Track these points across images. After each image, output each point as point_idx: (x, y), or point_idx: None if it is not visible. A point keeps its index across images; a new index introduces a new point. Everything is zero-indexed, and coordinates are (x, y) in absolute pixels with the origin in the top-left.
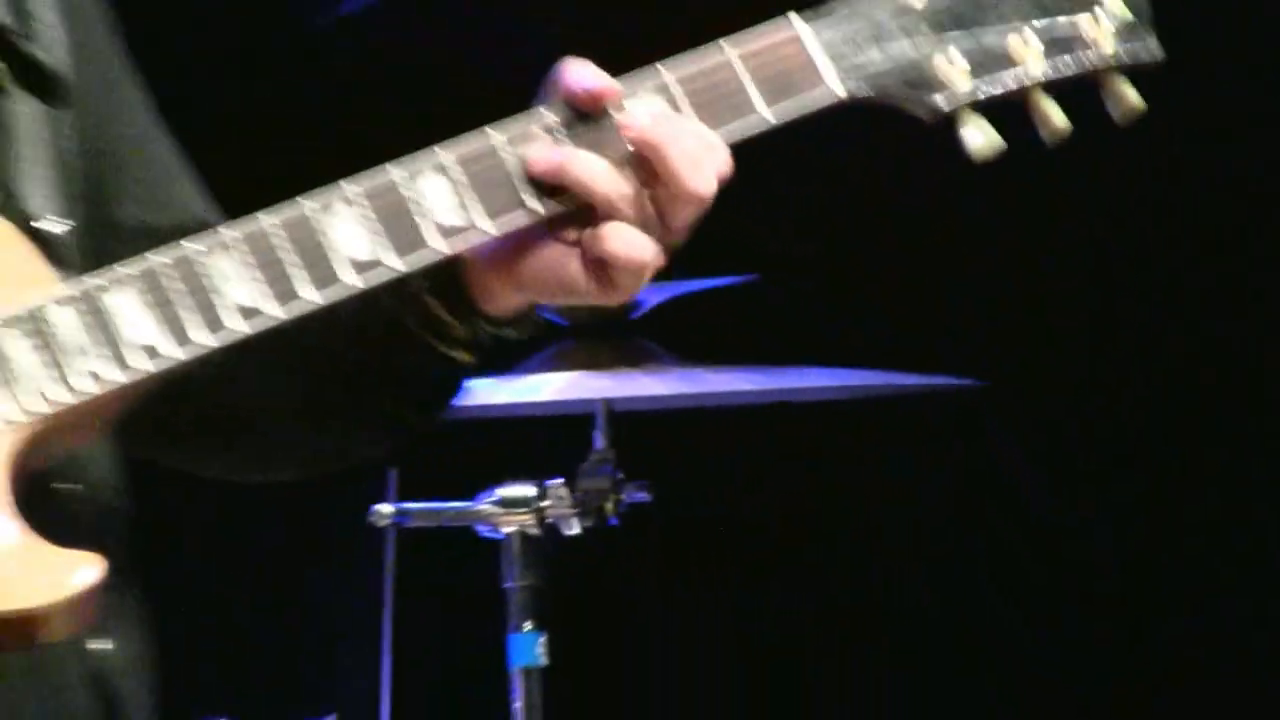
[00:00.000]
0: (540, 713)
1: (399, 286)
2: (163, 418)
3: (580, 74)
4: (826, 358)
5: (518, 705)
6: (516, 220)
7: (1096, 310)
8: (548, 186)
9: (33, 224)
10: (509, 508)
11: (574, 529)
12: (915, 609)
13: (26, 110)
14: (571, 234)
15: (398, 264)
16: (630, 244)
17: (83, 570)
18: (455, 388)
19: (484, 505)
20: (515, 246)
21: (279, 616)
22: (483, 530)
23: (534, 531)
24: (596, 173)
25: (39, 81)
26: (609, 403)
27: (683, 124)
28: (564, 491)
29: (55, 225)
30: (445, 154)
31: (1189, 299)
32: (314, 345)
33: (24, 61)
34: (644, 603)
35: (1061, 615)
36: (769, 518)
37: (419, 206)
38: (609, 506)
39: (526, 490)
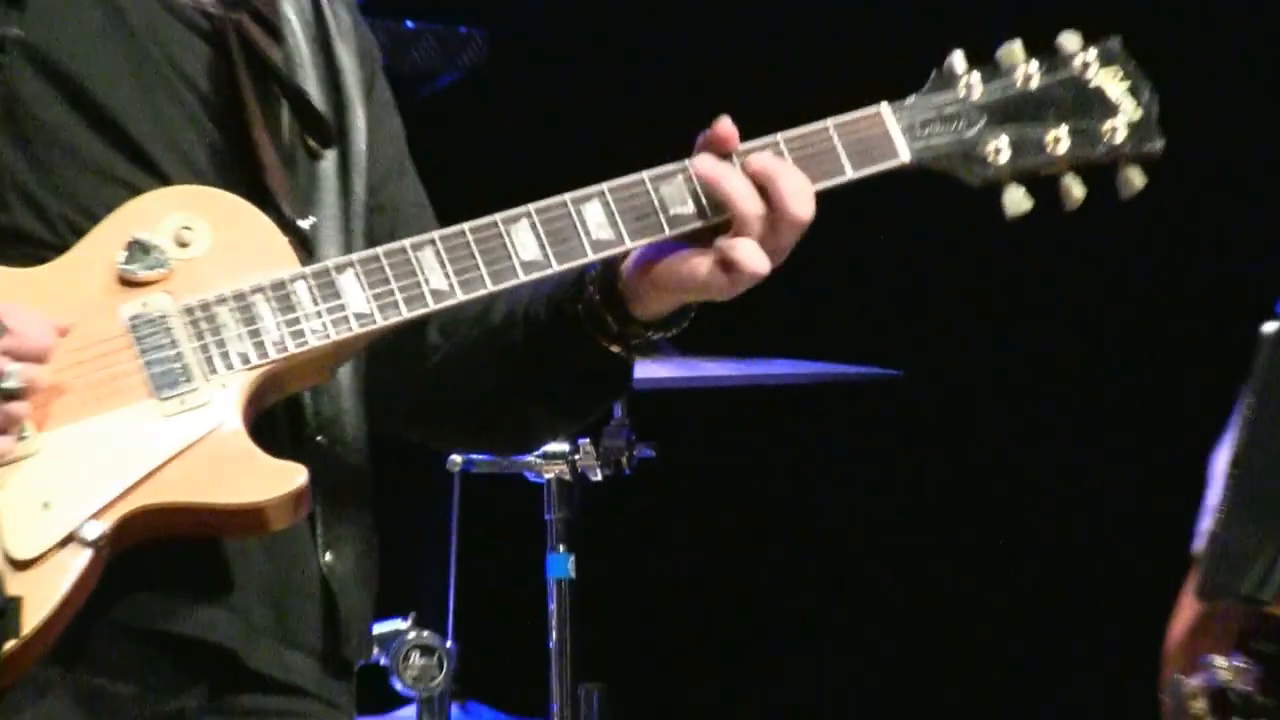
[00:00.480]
0: (570, 615)
1: (577, 295)
2: (400, 405)
3: (721, 122)
4: (786, 351)
5: (552, 608)
6: (653, 234)
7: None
8: (684, 213)
9: (298, 223)
10: (549, 459)
11: (597, 476)
12: (837, 534)
13: (330, 168)
14: (702, 244)
15: (556, 266)
16: (755, 255)
17: (296, 476)
18: (617, 379)
19: (530, 457)
20: (656, 258)
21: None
22: (529, 475)
23: (567, 478)
24: (742, 189)
25: (345, 149)
26: (643, 383)
27: (788, 167)
28: (590, 448)
29: (305, 222)
30: (606, 186)
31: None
32: (506, 344)
33: (343, 134)
34: (650, 533)
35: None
36: (744, 469)
37: (582, 224)
38: (624, 460)
39: (562, 447)
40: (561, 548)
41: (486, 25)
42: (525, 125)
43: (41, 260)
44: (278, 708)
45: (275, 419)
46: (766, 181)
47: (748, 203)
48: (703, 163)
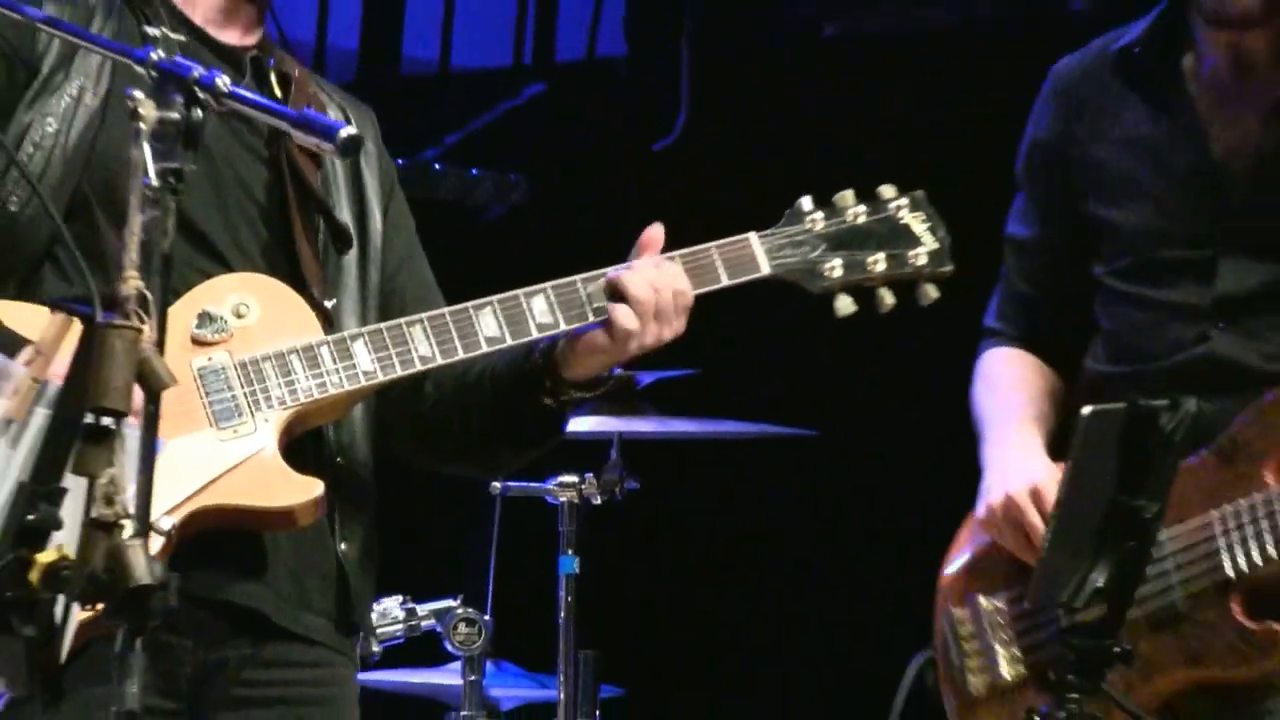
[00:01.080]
0: (574, 600)
1: (526, 361)
2: (403, 437)
3: (652, 228)
4: (735, 413)
5: (562, 594)
6: (582, 320)
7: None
8: (603, 305)
9: (325, 303)
10: (563, 488)
11: (597, 501)
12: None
13: (352, 261)
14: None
15: (510, 341)
16: (627, 317)
17: (316, 487)
18: (554, 426)
19: (550, 485)
20: (579, 335)
21: (437, 544)
22: (549, 499)
23: (576, 501)
24: (636, 279)
25: (364, 246)
26: (620, 434)
27: (677, 274)
28: (593, 481)
29: (329, 302)
30: (549, 284)
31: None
32: (479, 396)
33: (363, 235)
34: (635, 542)
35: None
36: (704, 499)
37: (530, 312)
38: (617, 490)
39: (573, 478)
40: (570, 551)
41: (528, 173)
42: (554, 249)
43: None
44: (298, 657)
45: (305, 445)
46: (657, 277)
47: (638, 288)
48: (614, 271)
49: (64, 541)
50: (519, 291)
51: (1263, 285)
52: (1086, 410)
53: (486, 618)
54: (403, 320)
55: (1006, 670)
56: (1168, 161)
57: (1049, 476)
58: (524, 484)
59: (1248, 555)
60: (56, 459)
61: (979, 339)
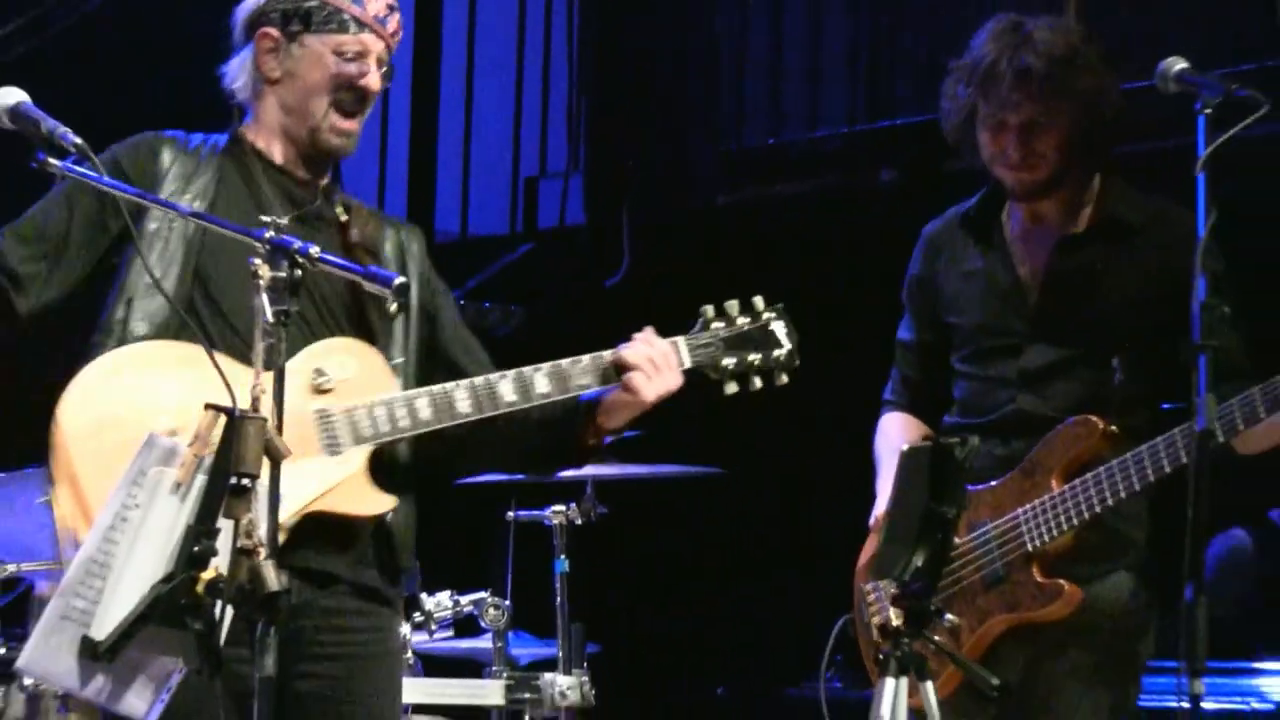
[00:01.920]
0: (566, 590)
1: (577, 414)
2: (473, 450)
3: (645, 330)
4: (670, 460)
5: (557, 586)
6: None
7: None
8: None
9: (395, 360)
10: (555, 513)
11: (579, 522)
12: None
13: (399, 328)
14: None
15: (522, 404)
16: (643, 383)
17: (390, 502)
18: (589, 456)
19: (546, 512)
20: (606, 394)
21: (473, 557)
22: (546, 521)
23: (564, 522)
24: (635, 349)
25: (407, 316)
26: (593, 476)
27: (658, 342)
28: (575, 508)
29: (399, 358)
30: (584, 357)
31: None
32: (538, 433)
33: (406, 310)
34: (605, 549)
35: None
36: (651, 518)
37: (533, 384)
38: (591, 513)
39: (561, 507)
40: (562, 556)
41: (524, 305)
42: (544, 355)
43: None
44: (357, 621)
45: (380, 463)
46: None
47: (636, 354)
48: (622, 346)
49: (219, 564)
50: (562, 361)
51: (1052, 363)
52: (904, 447)
53: (507, 603)
54: (449, 385)
55: (896, 618)
56: (990, 284)
57: None
58: (529, 512)
59: (1041, 536)
60: (212, 508)
61: (879, 408)
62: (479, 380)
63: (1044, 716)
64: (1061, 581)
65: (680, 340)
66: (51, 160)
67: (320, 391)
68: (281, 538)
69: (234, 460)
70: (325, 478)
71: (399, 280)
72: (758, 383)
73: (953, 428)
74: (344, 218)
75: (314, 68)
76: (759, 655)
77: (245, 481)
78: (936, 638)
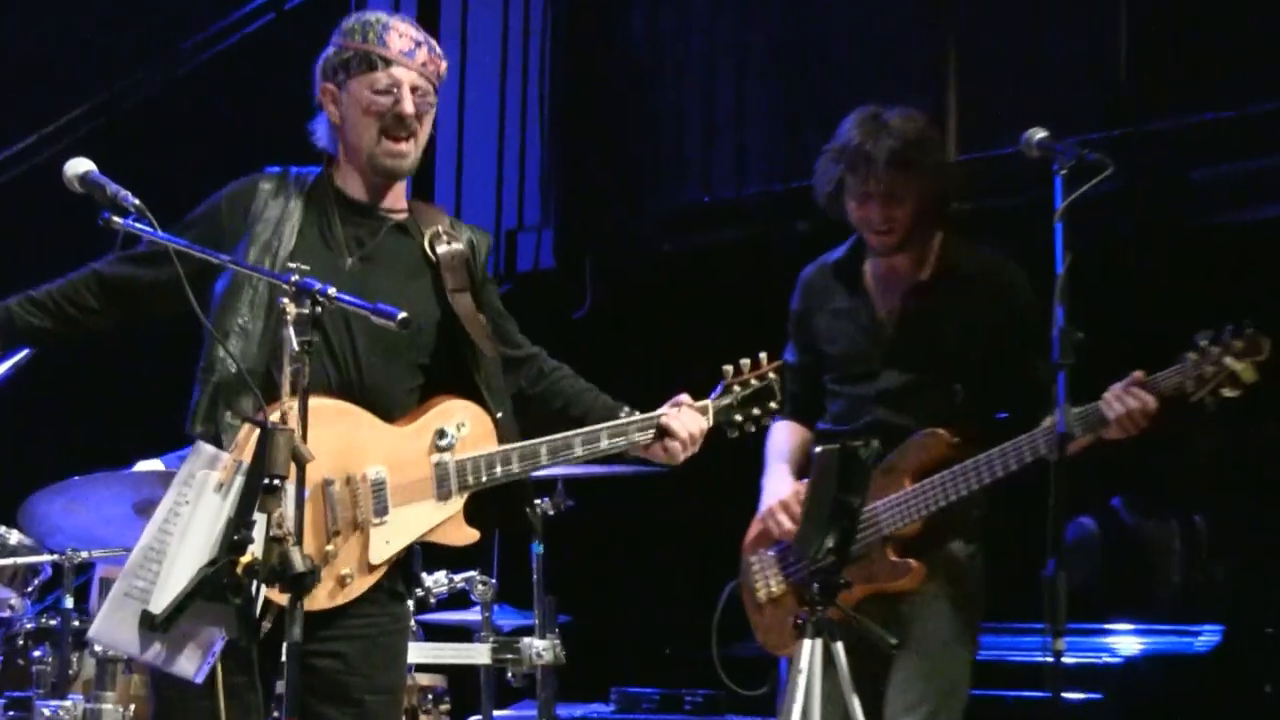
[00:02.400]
0: (542, 569)
1: (624, 441)
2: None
3: (680, 397)
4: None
5: (534, 565)
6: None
7: None
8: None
9: (498, 415)
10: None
11: (552, 512)
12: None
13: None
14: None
15: (589, 457)
16: (675, 449)
17: (475, 534)
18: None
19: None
20: (647, 446)
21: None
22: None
23: (539, 513)
24: (677, 428)
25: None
26: (562, 475)
27: (699, 420)
28: (549, 501)
29: (499, 414)
30: (636, 415)
31: None
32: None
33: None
34: (572, 535)
35: None
36: (614, 508)
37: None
38: (561, 505)
39: (538, 501)
40: (537, 540)
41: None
42: None
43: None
44: (375, 609)
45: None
46: (691, 422)
47: (680, 429)
48: (664, 416)
49: (255, 550)
50: (624, 421)
51: (904, 385)
52: (819, 449)
53: (493, 580)
54: (534, 442)
55: (773, 585)
56: (854, 321)
57: (790, 493)
58: None
59: (894, 524)
60: (249, 504)
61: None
62: (559, 439)
63: (909, 639)
64: (910, 561)
65: (709, 405)
66: (115, 219)
67: (439, 449)
68: (389, 563)
69: (267, 464)
70: (433, 518)
71: (401, 315)
72: (752, 429)
73: (825, 433)
74: (427, 242)
75: (358, 106)
76: (698, 620)
77: (276, 482)
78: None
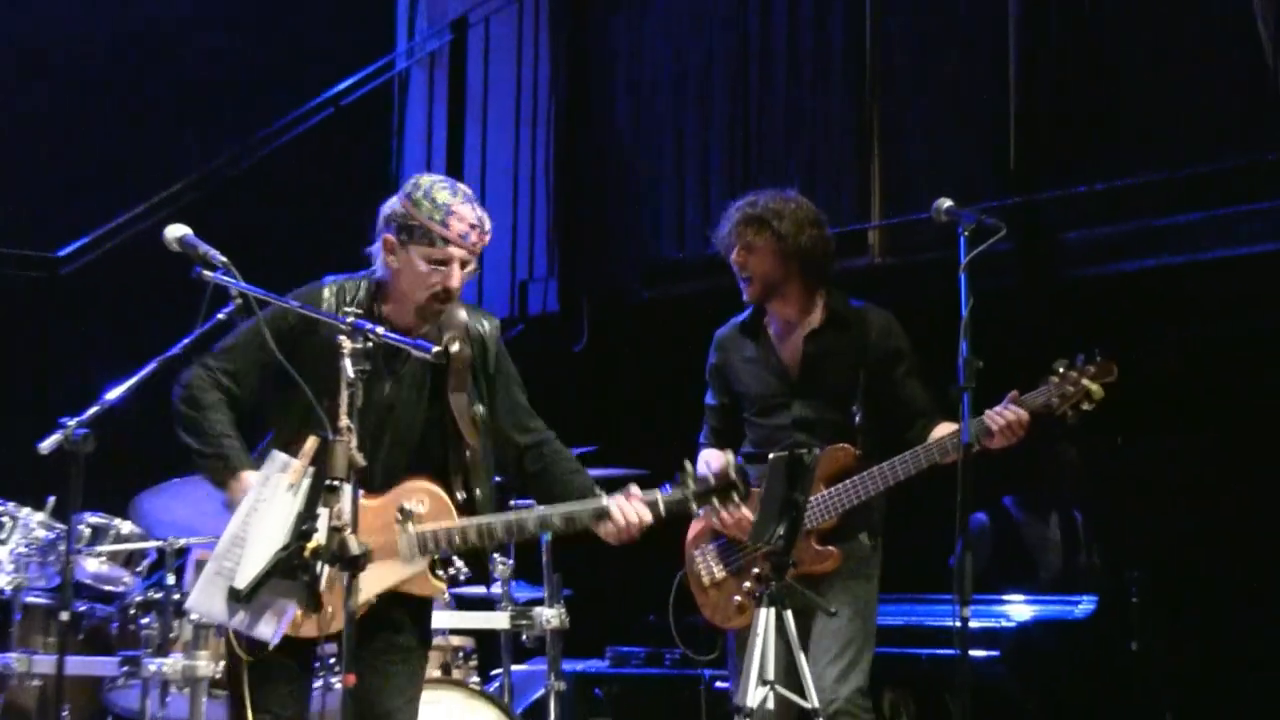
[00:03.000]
0: (551, 552)
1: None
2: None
3: (631, 486)
4: (613, 465)
5: (543, 548)
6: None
7: None
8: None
9: (457, 496)
10: None
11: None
12: None
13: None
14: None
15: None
16: (614, 534)
17: (444, 588)
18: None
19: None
20: (595, 522)
21: None
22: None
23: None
24: (616, 514)
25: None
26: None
27: (641, 510)
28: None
29: (460, 495)
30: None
31: None
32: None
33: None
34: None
35: None
36: None
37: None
38: None
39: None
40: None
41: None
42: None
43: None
44: (408, 642)
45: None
46: (631, 511)
47: (618, 517)
48: (609, 502)
49: (319, 537)
50: (574, 507)
51: (811, 413)
52: (772, 455)
53: (510, 561)
54: (518, 514)
55: (716, 573)
56: (762, 366)
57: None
58: (524, 500)
59: (814, 521)
60: (314, 500)
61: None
62: (512, 517)
63: (823, 603)
64: (831, 548)
65: (659, 499)
66: (205, 272)
67: (403, 520)
68: (368, 605)
69: (328, 469)
70: (400, 573)
71: (435, 349)
72: (716, 506)
73: (749, 455)
74: (443, 346)
75: (413, 268)
76: (679, 594)
77: (335, 483)
78: (796, 585)
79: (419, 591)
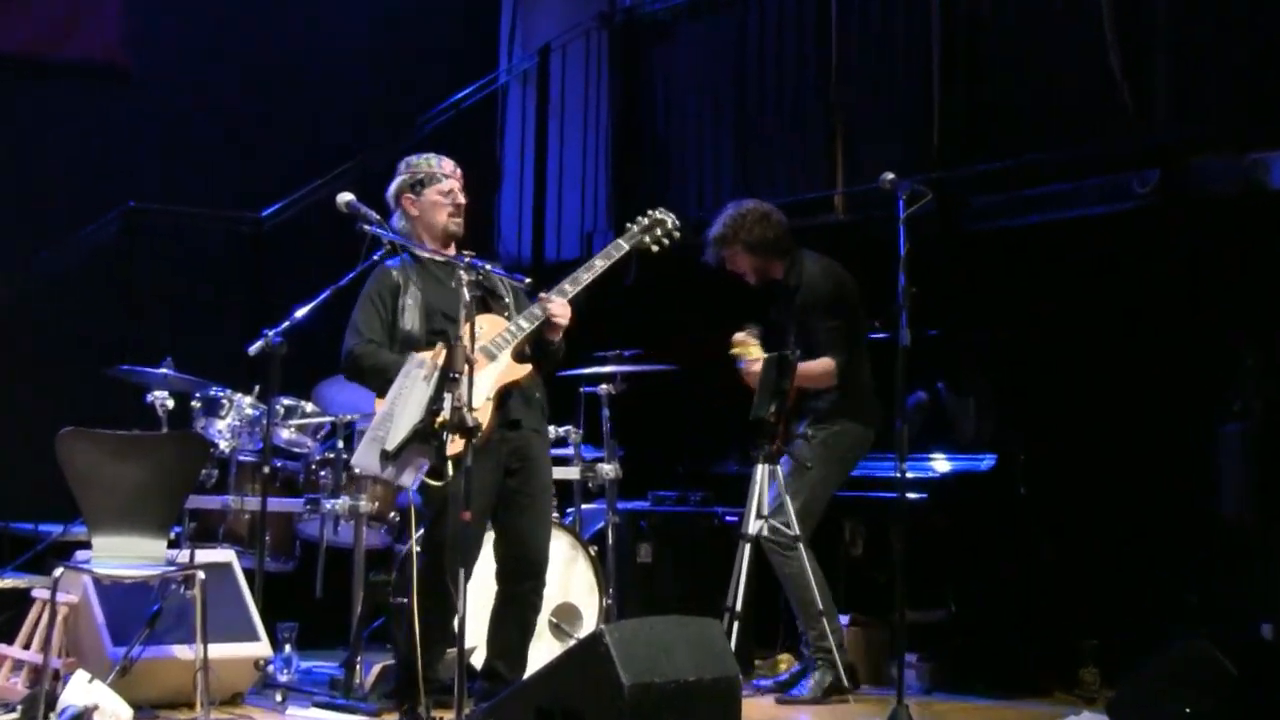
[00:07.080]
0: (611, 424)
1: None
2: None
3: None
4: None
5: (605, 421)
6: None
7: None
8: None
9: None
10: (604, 388)
11: (614, 392)
12: None
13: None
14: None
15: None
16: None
17: (530, 367)
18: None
19: (599, 389)
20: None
21: (563, 410)
22: (598, 391)
23: (609, 391)
24: (556, 314)
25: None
26: (618, 371)
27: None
28: (610, 387)
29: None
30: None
31: None
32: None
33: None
34: (625, 402)
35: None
36: (652, 400)
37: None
38: (618, 390)
39: (607, 385)
40: (606, 410)
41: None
42: (595, 322)
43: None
44: (528, 435)
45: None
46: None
47: (558, 318)
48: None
49: (444, 414)
50: (535, 309)
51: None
52: (766, 356)
53: (580, 430)
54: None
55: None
56: (780, 306)
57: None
58: (590, 388)
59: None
60: (442, 387)
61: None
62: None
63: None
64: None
65: (621, 241)
66: (365, 226)
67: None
68: (493, 402)
69: (451, 364)
70: (497, 370)
71: (527, 280)
72: (666, 242)
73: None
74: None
75: (431, 205)
76: (701, 448)
77: (456, 375)
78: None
79: (512, 378)
